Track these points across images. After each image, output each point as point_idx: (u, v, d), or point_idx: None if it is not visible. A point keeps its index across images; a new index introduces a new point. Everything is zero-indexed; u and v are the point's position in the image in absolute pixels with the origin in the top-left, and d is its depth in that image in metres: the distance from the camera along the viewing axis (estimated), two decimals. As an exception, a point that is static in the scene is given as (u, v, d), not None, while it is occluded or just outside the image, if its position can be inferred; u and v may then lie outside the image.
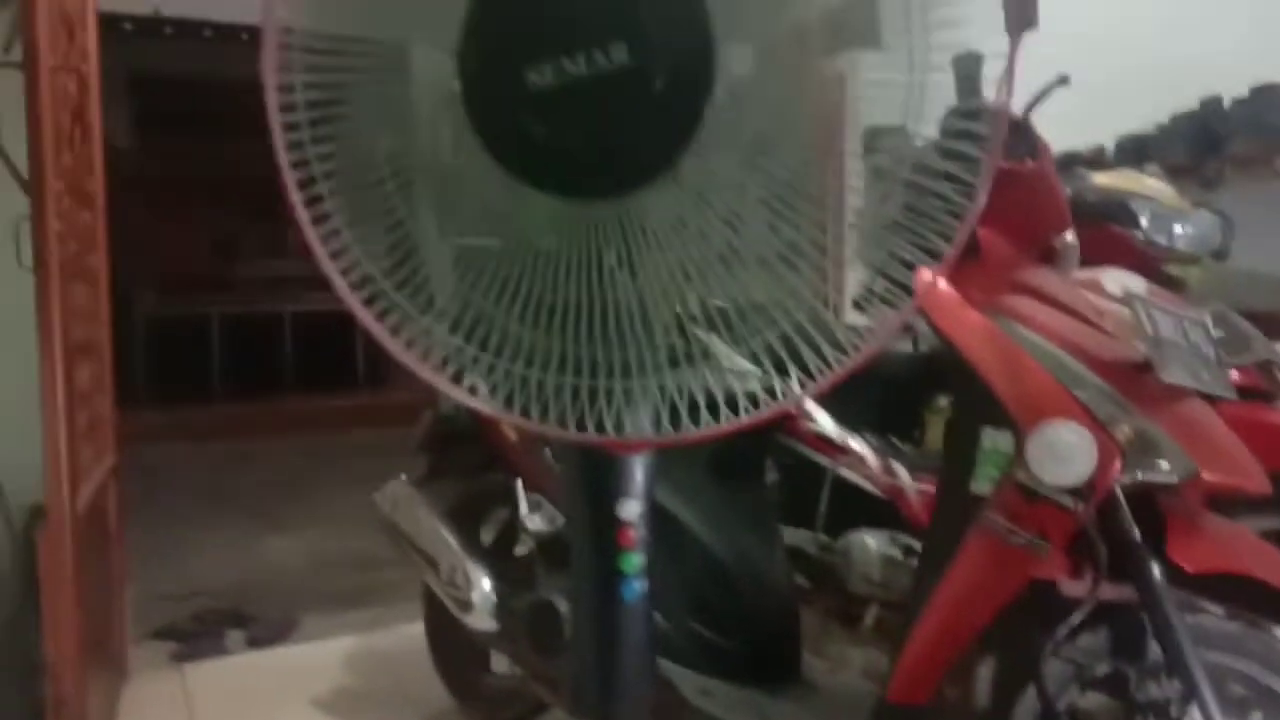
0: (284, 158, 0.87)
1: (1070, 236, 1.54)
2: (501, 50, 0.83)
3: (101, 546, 2.15)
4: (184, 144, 6.63)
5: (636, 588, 0.78)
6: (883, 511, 2.03)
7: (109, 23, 2.15)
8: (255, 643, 2.63)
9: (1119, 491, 1.27)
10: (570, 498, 0.81)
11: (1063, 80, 1.43)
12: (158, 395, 6.07)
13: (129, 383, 5.79)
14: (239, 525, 3.82)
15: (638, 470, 0.79)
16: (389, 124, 0.96)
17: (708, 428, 0.75)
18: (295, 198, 0.88)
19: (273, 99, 0.87)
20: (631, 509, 0.78)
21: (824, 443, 2.09)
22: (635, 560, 0.78)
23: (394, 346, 0.84)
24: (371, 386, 6.85)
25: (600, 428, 0.69)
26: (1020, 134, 1.46)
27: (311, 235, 0.89)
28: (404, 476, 2.15)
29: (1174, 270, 2.03)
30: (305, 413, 6.07)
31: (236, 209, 6.81)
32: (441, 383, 0.77)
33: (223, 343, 6.74)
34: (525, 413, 0.70)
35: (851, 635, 2.04)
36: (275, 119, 0.86)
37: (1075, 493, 1.21)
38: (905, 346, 2.18)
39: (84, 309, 1.97)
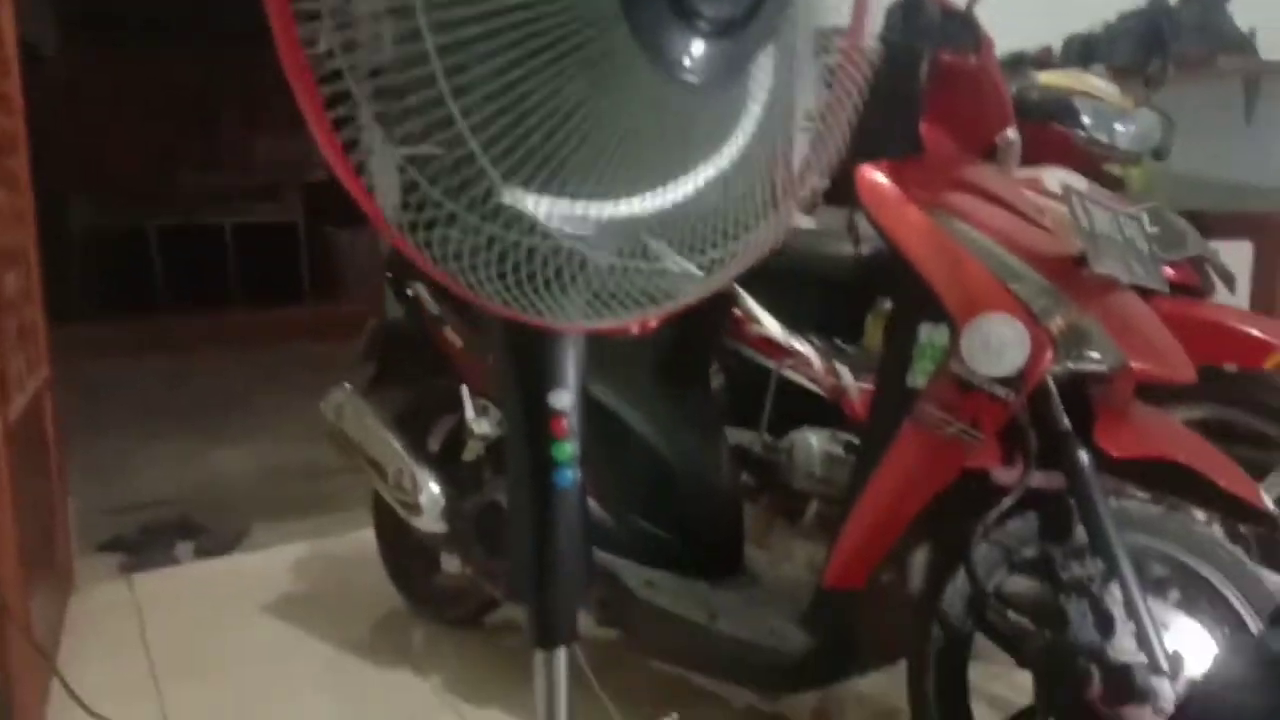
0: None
1: (1012, 133, 1.54)
2: None
3: (39, 458, 2.11)
4: (115, 51, 6.33)
5: (569, 476, 0.78)
6: (826, 412, 2.06)
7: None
8: (204, 552, 2.63)
9: (1050, 382, 1.30)
10: (504, 388, 0.81)
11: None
12: (96, 308, 5.93)
13: (66, 295, 5.66)
14: (184, 439, 3.78)
15: (569, 362, 0.78)
16: None
17: (637, 316, 0.74)
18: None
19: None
20: (563, 399, 0.78)
21: (768, 345, 2.12)
22: (567, 449, 0.78)
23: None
24: (318, 300, 6.76)
25: (534, 308, 0.68)
26: (963, 27, 1.45)
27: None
28: (347, 385, 2.13)
29: (1115, 170, 2.04)
30: (249, 326, 5.98)
31: (174, 120, 6.59)
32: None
33: (163, 255, 6.57)
34: (464, 278, 0.67)
35: (794, 530, 2.09)
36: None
37: (1008, 383, 1.23)
38: (847, 249, 2.19)
39: (6, 214, 1.89)
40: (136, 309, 6.16)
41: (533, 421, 0.78)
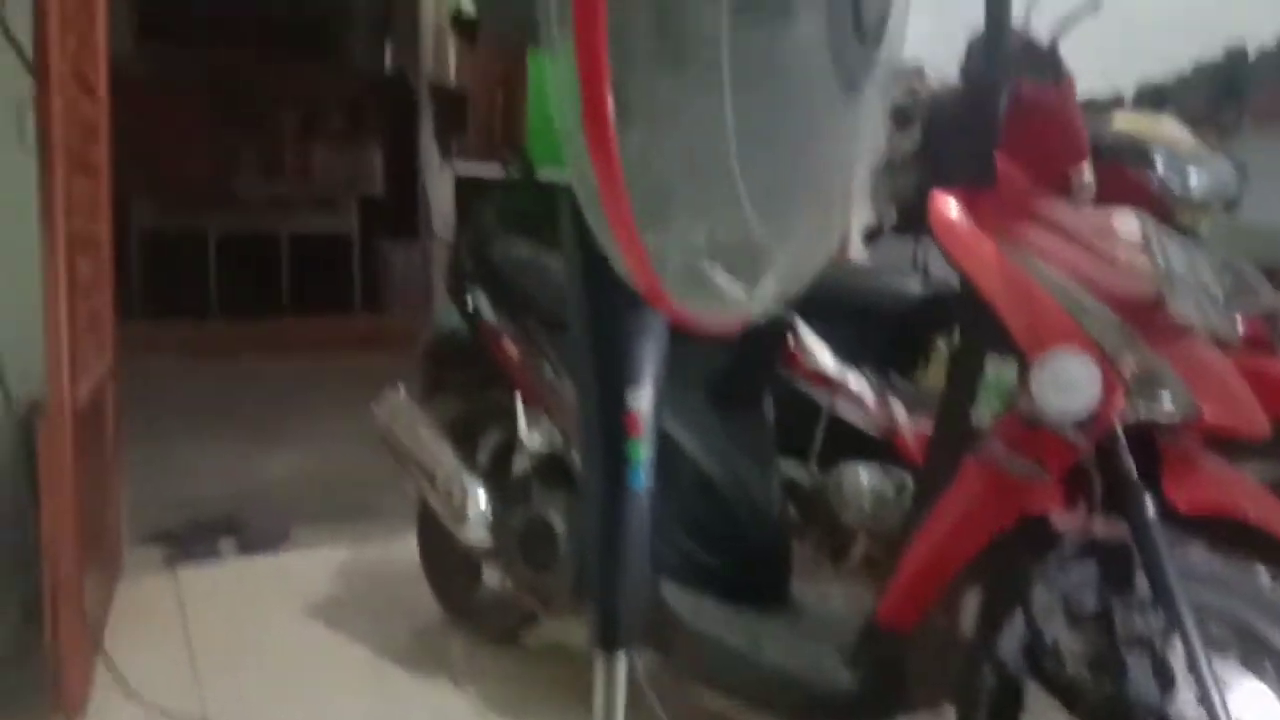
0: None
1: (1086, 170, 1.52)
2: None
3: (99, 443, 2.15)
4: (185, 53, 6.50)
5: (642, 477, 0.78)
6: (878, 449, 2.04)
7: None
8: (247, 549, 2.65)
9: (1118, 426, 1.27)
10: (581, 385, 0.81)
11: (1094, 4, 1.40)
12: (153, 309, 6.05)
13: (124, 294, 5.76)
14: (235, 440, 3.83)
15: (648, 358, 0.78)
16: None
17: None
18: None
19: None
20: (641, 398, 0.78)
21: (821, 377, 2.10)
22: (642, 449, 0.78)
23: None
24: (369, 311, 6.84)
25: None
26: (1046, 60, 1.44)
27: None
28: (401, 387, 2.15)
29: (1185, 219, 2.01)
30: (302, 335, 6.06)
31: (236, 125, 6.73)
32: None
33: (220, 260, 6.69)
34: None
35: (839, 568, 2.06)
36: None
37: (1078, 424, 1.21)
38: (908, 285, 2.18)
39: (85, 202, 1.95)
40: (193, 312, 6.28)
41: (608, 418, 0.78)
